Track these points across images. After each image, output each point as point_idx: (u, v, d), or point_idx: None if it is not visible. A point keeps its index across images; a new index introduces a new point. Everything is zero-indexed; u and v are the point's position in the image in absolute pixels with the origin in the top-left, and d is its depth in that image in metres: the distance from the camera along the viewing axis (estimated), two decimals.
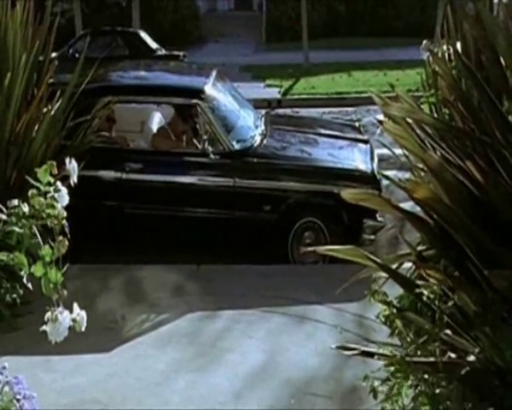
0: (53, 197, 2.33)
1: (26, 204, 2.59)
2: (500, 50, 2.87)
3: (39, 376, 4.27)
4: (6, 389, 2.46)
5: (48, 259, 2.17)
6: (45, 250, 2.18)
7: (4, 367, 2.49)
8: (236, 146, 6.48)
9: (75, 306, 2.20)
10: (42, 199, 2.31)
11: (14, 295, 4.96)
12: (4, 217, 2.40)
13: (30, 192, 2.33)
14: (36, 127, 5.98)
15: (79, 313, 2.19)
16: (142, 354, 4.71)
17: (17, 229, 2.36)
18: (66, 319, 2.13)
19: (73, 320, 2.17)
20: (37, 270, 2.20)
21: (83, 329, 2.19)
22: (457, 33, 4.45)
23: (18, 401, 2.44)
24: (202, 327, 5.06)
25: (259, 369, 4.50)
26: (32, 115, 5.90)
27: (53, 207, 2.31)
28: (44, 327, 2.15)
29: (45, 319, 2.15)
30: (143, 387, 4.32)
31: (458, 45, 4.27)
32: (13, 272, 4.51)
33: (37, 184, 2.30)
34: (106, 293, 5.65)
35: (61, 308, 2.14)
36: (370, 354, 3.16)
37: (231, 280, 5.84)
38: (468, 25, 3.81)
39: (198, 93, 6.58)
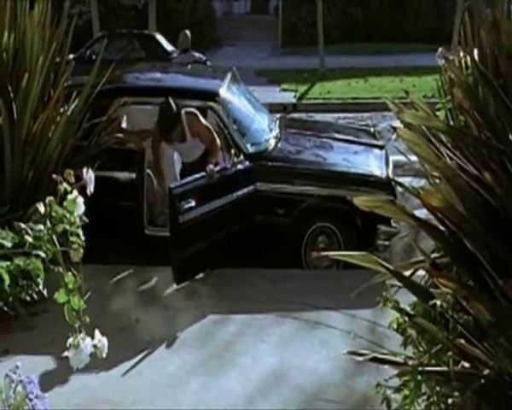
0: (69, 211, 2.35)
1: (41, 204, 2.61)
2: None
3: (52, 375, 4.30)
4: (19, 388, 2.48)
5: (71, 286, 2.18)
6: (69, 278, 2.19)
7: (17, 367, 2.50)
8: (251, 149, 6.48)
9: (97, 332, 2.22)
10: (60, 210, 2.32)
11: (30, 292, 5.01)
12: (30, 239, 2.43)
13: (48, 200, 2.34)
14: (52, 128, 6.02)
15: (101, 340, 2.20)
16: (155, 356, 4.72)
17: (42, 254, 2.39)
18: (87, 346, 2.15)
19: (95, 347, 2.19)
20: (60, 297, 2.21)
21: (104, 355, 2.20)
22: (474, 40, 4.42)
23: (30, 400, 2.46)
24: (215, 330, 5.07)
25: (271, 373, 4.50)
26: (48, 116, 5.95)
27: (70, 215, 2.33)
28: (66, 353, 2.16)
29: (67, 345, 2.17)
30: (155, 388, 4.34)
31: (475, 52, 4.25)
32: (29, 270, 4.55)
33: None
34: (120, 294, 5.67)
35: (82, 335, 2.16)
36: (383, 361, 3.14)
37: (244, 284, 5.84)
38: (484, 31, 3.79)
39: (213, 96, 6.59)
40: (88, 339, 2.20)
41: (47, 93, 6.15)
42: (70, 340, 2.18)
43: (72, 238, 2.29)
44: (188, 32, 11.30)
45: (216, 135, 6.16)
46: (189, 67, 9.50)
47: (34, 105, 5.90)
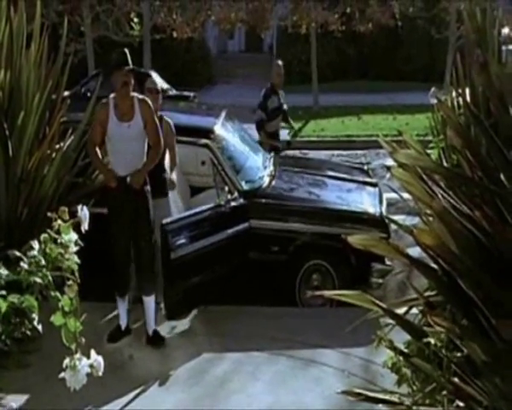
0: (65, 243, 2.37)
1: (36, 242, 2.62)
2: (508, 98, 2.89)
3: None
4: None
5: (67, 309, 2.19)
6: (65, 300, 2.20)
7: (12, 407, 2.50)
8: (245, 187, 6.51)
9: (92, 352, 2.22)
10: (54, 246, 2.34)
11: (23, 329, 4.97)
12: (26, 266, 2.43)
13: (42, 237, 2.36)
14: (47, 165, 6.04)
15: (96, 359, 2.20)
16: (149, 394, 4.70)
17: (38, 279, 2.39)
18: (84, 366, 2.15)
19: (91, 366, 2.19)
20: (57, 320, 2.22)
21: (100, 374, 2.20)
22: (466, 80, 4.49)
23: None
24: (209, 368, 5.05)
25: None
26: (43, 153, 5.96)
27: (65, 251, 2.34)
28: (63, 374, 2.16)
29: (63, 365, 2.17)
30: None
31: (467, 92, 4.30)
32: (23, 308, 4.50)
33: (55, 236, 2.33)
34: None
35: (78, 355, 2.16)
36: (376, 401, 3.13)
37: (239, 321, 5.82)
38: (475, 73, 3.85)
39: (207, 133, 6.64)
40: (84, 359, 2.20)
41: (42, 130, 6.18)
42: (66, 361, 2.18)
43: (68, 263, 2.30)
44: (280, 63, 9.28)
45: (161, 136, 5.70)
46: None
47: (29, 143, 5.92)
